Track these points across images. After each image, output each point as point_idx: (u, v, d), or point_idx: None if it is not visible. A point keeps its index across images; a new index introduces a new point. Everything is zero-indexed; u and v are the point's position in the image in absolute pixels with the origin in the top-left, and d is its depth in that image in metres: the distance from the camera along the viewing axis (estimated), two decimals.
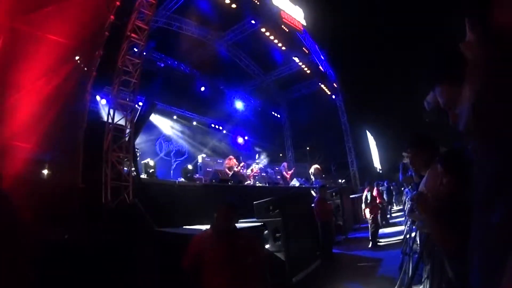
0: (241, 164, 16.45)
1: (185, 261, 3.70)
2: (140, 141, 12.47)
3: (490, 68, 1.25)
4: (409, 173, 6.38)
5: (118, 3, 8.76)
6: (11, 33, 6.69)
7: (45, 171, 7.67)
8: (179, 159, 21.45)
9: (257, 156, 18.80)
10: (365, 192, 12.88)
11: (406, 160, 6.23)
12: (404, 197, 13.91)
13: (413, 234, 6.39)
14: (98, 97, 14.74)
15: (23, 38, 6.97)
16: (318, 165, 21.22)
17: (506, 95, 1.14)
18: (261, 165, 17.64)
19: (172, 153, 21.45)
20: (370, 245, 11.36)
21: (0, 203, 3.60)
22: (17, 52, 6.93)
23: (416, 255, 4.47)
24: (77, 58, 8.12)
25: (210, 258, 3.59)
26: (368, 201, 12.20)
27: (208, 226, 4.00)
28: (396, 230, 14.05)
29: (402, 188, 21.69)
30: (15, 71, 6.84)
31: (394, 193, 22.55)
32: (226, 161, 15.10)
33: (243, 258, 3.70)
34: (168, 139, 21.50)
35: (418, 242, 5.53)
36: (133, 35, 9.40)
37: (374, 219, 11.79)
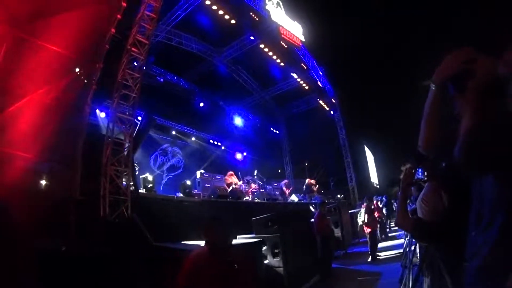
0: (240, 182, 16.41)
1: (181, 280, 3.52)
2: (136, 154, 12.45)
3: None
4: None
5: (119, 16, 8.82)
6: (13, 42, 6.72)
7: (43, 182, 7.65)
8: (172, 174, 21.39)
9: (255, 172, 18.72)
10: (363, 208, 12.83)
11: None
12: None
13: (412, 247, 6.37)
14: (97, 110, 14.80)
15: (25, 47, 7.00)
16: (315, 180, 21.22)
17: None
18: (258, 181, 17.53)
19: (166, 167, 21.38)
20: (369, 259, 11.30)
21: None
22: (18, 61, 6.95)
23: (416, 268, 4.44)
24: (77, 70, 8.15)
25: (208, 276, 3.46)
26: (366, 216, 12.15)
27: (202, 243, 3.91)
28: (395, 243, 13.99)
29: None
30: (16, 79, 6.86)
31: (394, 208, 22.47)
32: (226, 177, 15.07)
33: (241, 276, 3.65)
34: (164, 154, 21.48)
35: (418, 254, 5.51)
36: (133, 49, 9.46)
37: (373, 233, 11.73)
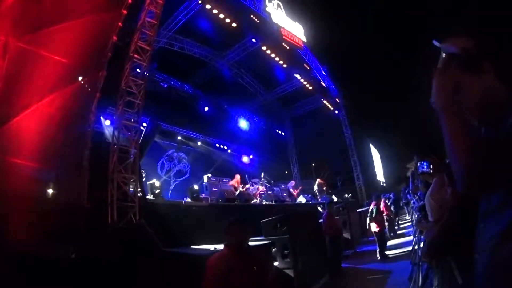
0: (247, 185, 16.41)
1: (210, 284, 3.48)
2: (142, 161, 12.48)
3: None
4: (417, 182, 6.37)
5: (120, 24, 8.86)
6: (16, 52, 6.76)
7: (50, 190, 7.69)
8: (179, 179, 21.48)
9: (262, 174, 18.70)
10: (371, 206, 12.74)
11: (412, 169, 6.25)
12: (412, 207, 13.80)
13: (421, 244, 6.34)
14: (102, 118, 14.84)
15: (28, 57, 7.04)
16: (323, 180, 21.19)
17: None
18: (265, 184, 17.48)
19: (173, 173, 21.46)
20: (379, 258, 11.23)
21: None
22: (22, 71, 7.00)
23: (426, 265, 4.43)
24: (80, 78, 8.19)
25: (235, 279, 3.45)
26: (374, 215, 12.05)
27: (218, 246, 3.91)
28: (404, 241, 13.93)
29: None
30: (20, 90, 6.91)
31: (403, 205, 22.32)
32: (233, 181, 15.08)
33: (263, 275, 3.68)
34: (170, 159, 21.54)
35: None
36: (136, 56, 9.50)
37: (381, 232, 11.65)
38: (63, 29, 7.36)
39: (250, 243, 7.08)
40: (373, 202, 12.81)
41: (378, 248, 11.47)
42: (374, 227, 11.82)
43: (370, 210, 12.48)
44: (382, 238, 11.59)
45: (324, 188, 20.59)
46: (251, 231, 3.91)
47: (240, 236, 3.77)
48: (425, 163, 4.38)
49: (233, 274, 3.47)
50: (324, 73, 24.94)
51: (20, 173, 6.69)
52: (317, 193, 20.06)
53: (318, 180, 20.83)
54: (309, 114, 27.84)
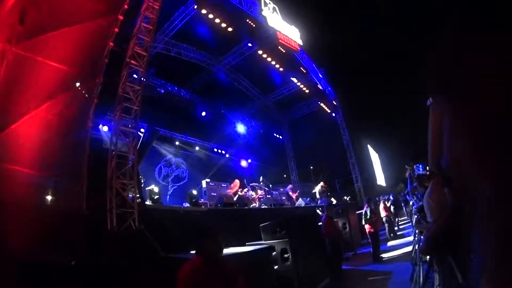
0: (245, 189, 16.39)
1: None
2: (140, 167, 12.44)
3: None
4: (414, 184, 6.40)
5: (117, 29, 8.86)
6: (13, 59, 6.75)
7: (49, 197, 7.67)
8: (177, 184, 21.47)
9: (260, 178, 18.67)
10: (365, 208, 12.70)
11: (410, 171, 6.28)
12: (411, 208, 13.78)
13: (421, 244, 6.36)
14: (100, 125, 14.84)
15: (25, 63, 7.03)
16: (326, 183, 21.23)
17: None
18: (264, 188, 17.46)
19: (170, 178, 21.44)
20: (372, 259, 11.23)
21: None
22: (19, 77, 6.99)
23: (426, 265, 4.44)
24: (77, 84, 8.18)
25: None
26: (368, 217, 12.02)
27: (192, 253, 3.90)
28: (404, 241, 13.90)
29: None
30: (17, 96, 6.90)
31: (403, 205, 22.31)
32: (231, 185, 15.06)
33: (236, 285, 3.68)
34: (168, 165, 21.53)
35: None
36: (132, 61, 9.50)
37: (375, 233, 11.63)
38: (60, 35, 7.36)
39: (249, 248, 7.10)
40: (366, 205, 12.82)
41: (372, 250, 11.49)
42: (368, 229, 11.84)
43: (363, 212, 12.47)
44: (376, 239, 11.59)
45: (325, 191, 20.64)
46: (224, 244, 3.90)
47: (215, 249, 3.78)
48: (421, 166, 4.39)
49: (203, 286, 3.50)
50: (321, 76, 25.01)
51: (19, 180, 6.68)
52: (318, 196, 20.11)
53: (321, 183, 20.86)
54: (306, 118, 27.96)
